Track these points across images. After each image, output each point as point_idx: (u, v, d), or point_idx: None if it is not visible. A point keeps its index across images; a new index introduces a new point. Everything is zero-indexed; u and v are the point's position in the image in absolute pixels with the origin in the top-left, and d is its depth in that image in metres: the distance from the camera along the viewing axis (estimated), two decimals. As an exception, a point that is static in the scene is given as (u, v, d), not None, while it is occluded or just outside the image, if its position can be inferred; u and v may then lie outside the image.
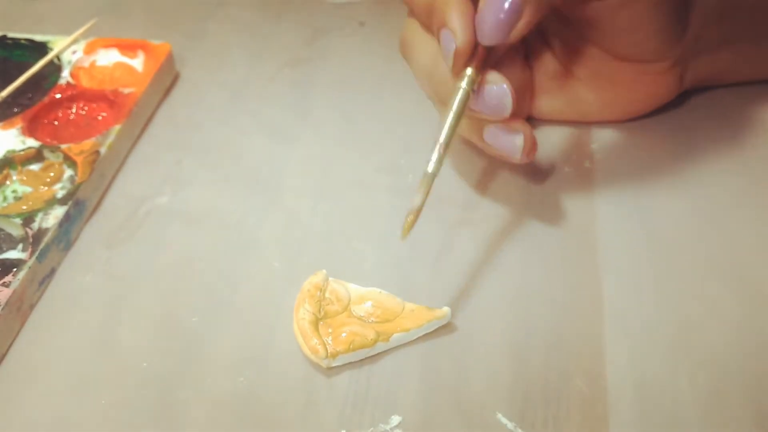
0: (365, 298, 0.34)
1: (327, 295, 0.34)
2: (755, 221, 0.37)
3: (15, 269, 0.35)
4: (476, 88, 0.33)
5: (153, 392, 0.31)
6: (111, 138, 0.42)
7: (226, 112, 0.46)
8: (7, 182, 0.41)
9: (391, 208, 0.39)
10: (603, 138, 0.42)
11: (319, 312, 0.33)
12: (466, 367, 0.32)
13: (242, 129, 0.45)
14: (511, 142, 0.34)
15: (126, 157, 0.43)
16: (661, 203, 0.38)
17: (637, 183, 0.39)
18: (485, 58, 0.33)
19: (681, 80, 0.41)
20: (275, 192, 0.41)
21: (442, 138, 0.32)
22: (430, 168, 0.32)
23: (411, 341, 0.33)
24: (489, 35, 0.32)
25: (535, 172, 0.41)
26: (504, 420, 0.30)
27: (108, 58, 0.48)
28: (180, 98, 0.48)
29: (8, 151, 0.41)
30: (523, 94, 0.41)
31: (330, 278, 0.35)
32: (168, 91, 0.48)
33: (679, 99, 0.44)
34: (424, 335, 0.33)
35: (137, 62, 0.48)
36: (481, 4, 0.32)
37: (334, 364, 0.32)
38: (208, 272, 0.36)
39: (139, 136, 0.45)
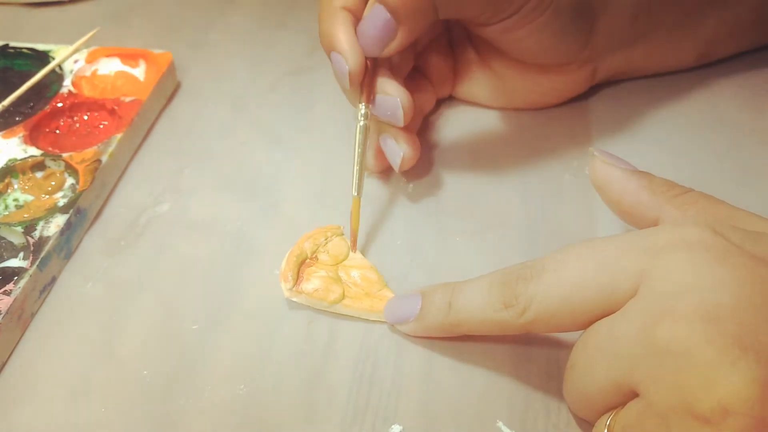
0: (357, 268, 0.36)
1: (328, 245, 0.36)
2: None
3: (16, 278, 0.35)
4: (372, 98, 0.37)
5: (153, 401, 0.31)
6: (112, 147, 0.42)
7: (227, 121, 0.46)
8: (9, 191, 0.41)
9: (391, 217, 0.39)
10: (603, 145, 0.42)
11: (312, 254, 0.36)
12: (467, 375, 0.32)
13: (243, 138, 0.45)
14: (395, 154, 0.38)
15: (127, 165, 0.43)
16: (661, 211, 0.38)
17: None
18: (376, 73, 0.38)
19: (592, 76, 0.44)
20: (275, 200, 0.41)
21: (357, 170, 0.36)
22: (355, 192, 0.36)
23: (410, 343, 0.33)
24: (366, 49, 0.36)
25: (534, 180, 0.41)
26: (505, 428, 0.30)
27: (110, 67, 0.49)
28: (181, 107, 0.48)
29: (10, 160, 0.41)
30: (443, 81, 0.45)
31: (344, 235, 0.37)
32: (169, 100, 0.48)
33: (679, 107, 0.44)
34: (424, 339, 0.33)
35: (139, 71, 0.48)
36: (361, 22, 0.36)
37: (293, 299, 0.35)
38: (208, 280, 0.36)
39: (140, 145, 0.45)
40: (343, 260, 0.36)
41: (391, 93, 0.37)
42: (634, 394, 0.25)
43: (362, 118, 0.37)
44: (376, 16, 0.35)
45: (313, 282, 0.34)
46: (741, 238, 0.26)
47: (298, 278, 0.35)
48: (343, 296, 0.34)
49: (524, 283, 0.28)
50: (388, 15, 0.35)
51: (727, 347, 0.22)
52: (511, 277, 0.28)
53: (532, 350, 0.32)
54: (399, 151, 0.38)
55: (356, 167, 0.36)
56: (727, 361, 0.22)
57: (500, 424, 0.30)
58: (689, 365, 0.23)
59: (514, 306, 0.28)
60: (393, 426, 0.30)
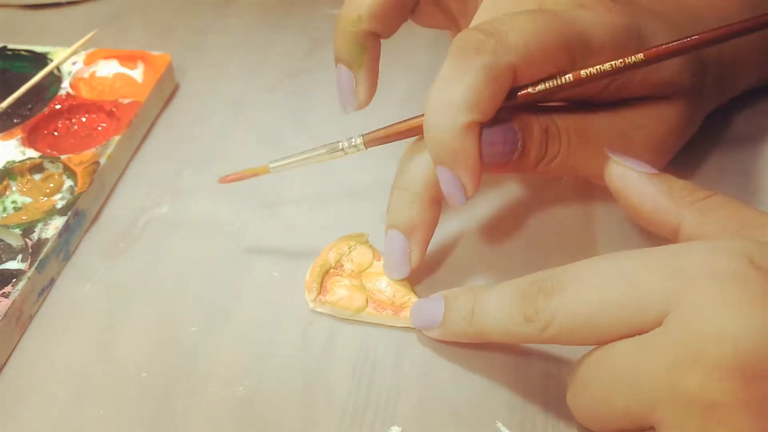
0: (382, 275, 0.35)
1: (352, 254, 0.36)
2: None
3: (14, 279, 0.35)
4: None
5: (152, 402, 0.31)
6: (111, 148, 0.42)
7: (226, 123, 0.46)
8: (7, 193, 0.41)
9: (390, 218, 0.39)
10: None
11: (336, 263, 0.36)
12: (466, 376, 0.32)
13: (241, 139, 0.45)
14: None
15: (125, 167, 0.43)
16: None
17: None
18: None
19: None
20: (274, 202, 0.41)
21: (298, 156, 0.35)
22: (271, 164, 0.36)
23: (409, 344, 0.33)
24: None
25: (532, 182, 0.41)
26: (504, 429, 0.30)
27: (108, 69, 0.48)
28: (179, 109, 0.48)
29: (8, 162, 0.41)
30: None
31: (368, 243, 0.37)
32: (167, 102, 0.48)
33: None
34: (423, 340, 0.33)
35: (137, 73, 0.48)
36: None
37: (317, 309, 0.34)
38: (207, 282, 0.36)
39: (138, 147, 0.45)
40: (368, 268, 0.36)
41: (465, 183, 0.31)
42: (652, 429, 0.24)
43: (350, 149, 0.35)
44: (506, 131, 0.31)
45: (336, 291, 0.34)
46: None
47: (321, 288, 0.35)
48: (367, 304, 0.34)
49: (545, 298, 0.26)
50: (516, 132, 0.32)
51: (763, 411, 0.22)
52: (532, 289, 0.27)
53: (531, 351, 0.32)
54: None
55: (300, 155, 0.35)
56: (760, 427, 0.22)
57: (499, 424, 0.30)
58: (717, 422, 0.22)
59: (535, 321, 0.27)
60: (392, 427, 0.30)
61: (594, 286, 0.26)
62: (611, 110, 0.34)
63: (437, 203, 0.33)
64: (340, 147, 0.35)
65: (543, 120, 0.33)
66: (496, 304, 0.29)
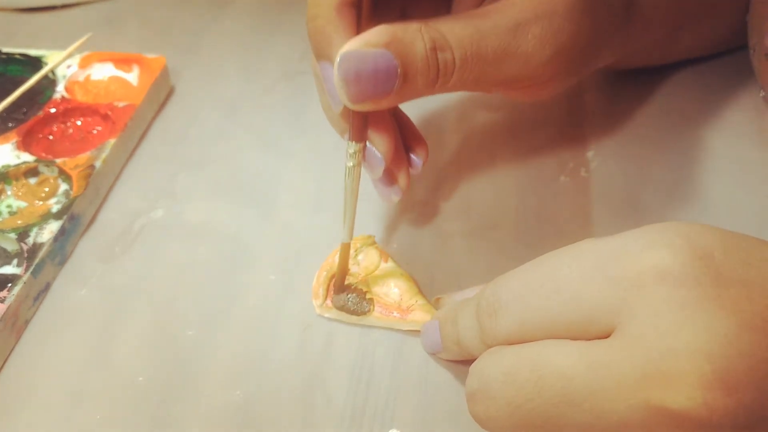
0: (389, 277, 0.35)
1: (359, 257, 0.35)
2: (755, 232, 0.37)
3: (10, 284, 0.34)
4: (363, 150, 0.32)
5: (149, 407, 0.31)
6: (106, 152, 0.41)
7: (221, 126, 0.46)
8: (2, 197, 0.40)
9: (387, 221, 0.39)
10: (599, 146, 0.42)
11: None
12: (464, 378, 0.31)
13: (237, 142, 0.45)
14: (387, 194, 0.35)
15: (121, 171, 0.43)
16: (658, 213, 0.38)
17: (635, 192, 0.40)
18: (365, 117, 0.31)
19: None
20: (270, 205, 0.40)
21: (347, 215, 0.32)
22: (345, 238, 0.33)
23: (407, 347, 0.33)
24: (353, 95, 0.28)
25: (530, 181, 0.41)
26: (502, 432, 0.29)
27: (103, 72, 0.48)
28: (175, 112, 0.48)
29: (3, 166, 0.41)
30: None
31: (376, 245, 0.36)
32: (163, 105, 0.48)
33: (674, 106, 0.44)
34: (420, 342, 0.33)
35: (132, 76, 0.48)
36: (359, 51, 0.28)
37: (325, 315, 0.34)
38: (203, 286, 0.36)
39: (134, 150, 0.45)
40: (374, 270, 0.35)
41: (377, 145, 0.32)
42: None
43: (351, 159, 0.31)
44: (379, 58, 0.28)
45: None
46: (724, 255, 0.23)
47: (328, 294, 0.34)
48: (374, 308, 0.34)
49: (489, 320, 0.26)
50: (395, 63, 0.28)
51: (751, 417, 0.21)
52: (480, 309, 0.27)
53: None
54: (392, 188, 0.35)
55: (347, 213, 0.32)
56: None
57: (498, 427, 0.30)
58: None
59: (486, 342, 0.26)
60: (390, 430, 0.30)
61: (531, 306, 0.25)
62: (503, 16, 0.31)
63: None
64: (351, 166, 0.31)
65: (429, 34, 0.28)
66: (466, 325, 0.28)
